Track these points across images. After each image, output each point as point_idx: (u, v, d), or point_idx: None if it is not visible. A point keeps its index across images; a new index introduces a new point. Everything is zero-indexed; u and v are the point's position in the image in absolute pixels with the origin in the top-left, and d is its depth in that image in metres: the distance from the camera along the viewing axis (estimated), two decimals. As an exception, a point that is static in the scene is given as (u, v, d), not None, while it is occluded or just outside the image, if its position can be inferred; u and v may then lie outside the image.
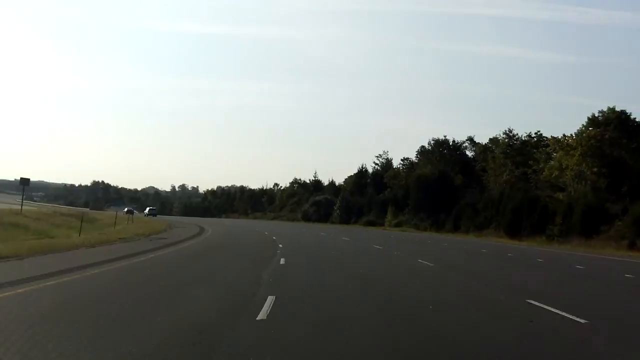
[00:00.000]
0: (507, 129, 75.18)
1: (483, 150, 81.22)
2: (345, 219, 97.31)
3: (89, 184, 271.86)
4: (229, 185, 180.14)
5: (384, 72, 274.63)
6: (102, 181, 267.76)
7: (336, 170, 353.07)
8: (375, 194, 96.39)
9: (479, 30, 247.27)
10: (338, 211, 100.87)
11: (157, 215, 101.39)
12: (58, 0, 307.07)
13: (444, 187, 76.39)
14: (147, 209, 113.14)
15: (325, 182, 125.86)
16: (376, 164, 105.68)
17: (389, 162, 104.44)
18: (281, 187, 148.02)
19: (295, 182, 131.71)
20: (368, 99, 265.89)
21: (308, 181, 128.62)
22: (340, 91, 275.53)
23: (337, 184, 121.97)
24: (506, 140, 75.39)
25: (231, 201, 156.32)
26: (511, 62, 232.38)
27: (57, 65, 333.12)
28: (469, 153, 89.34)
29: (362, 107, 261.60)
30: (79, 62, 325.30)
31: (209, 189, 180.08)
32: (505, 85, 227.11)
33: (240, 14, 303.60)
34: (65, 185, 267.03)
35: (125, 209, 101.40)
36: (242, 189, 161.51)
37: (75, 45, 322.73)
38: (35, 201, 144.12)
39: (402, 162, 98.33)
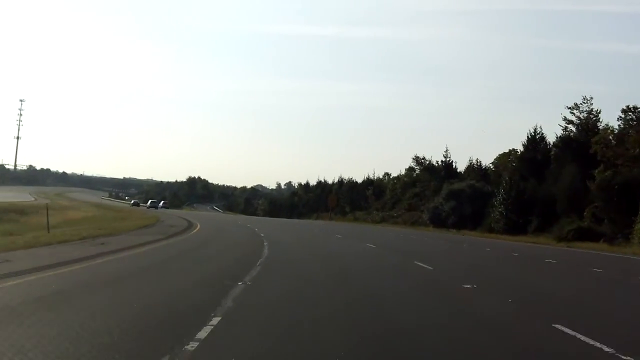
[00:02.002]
0: None
1: None
2: (518, 225, 49.37)
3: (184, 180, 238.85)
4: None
5: (484, 70, 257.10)
6: (199, 177, 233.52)
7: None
8: (576, 173, 47.54)
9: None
10: (501, 209, 52.07)
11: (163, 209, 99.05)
12: (159, 5, 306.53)
13: None
14: (149, 201, 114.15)
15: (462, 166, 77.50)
16: (568, 123, 55.68)
17: (591, 117, 54.70)
18: (393, 176, 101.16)
19: (418, 162, 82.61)
20: (473, 98, 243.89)
21: (436, 163, 79.95)
22: (442, 90, 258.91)
23: (483, 165, 73.46)
24: None
25: (326, 196, 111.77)
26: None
27: (160, 67, 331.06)
28: None
29: (464, 105, 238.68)
30: (183, 65, 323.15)
31: (300, 182, 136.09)
32: None
33: (346, 15, 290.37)
34: (157, 182, 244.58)
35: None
36: (341, 181, 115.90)
37: (178, 48, 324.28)
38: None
39: (624, 114, 48.67)
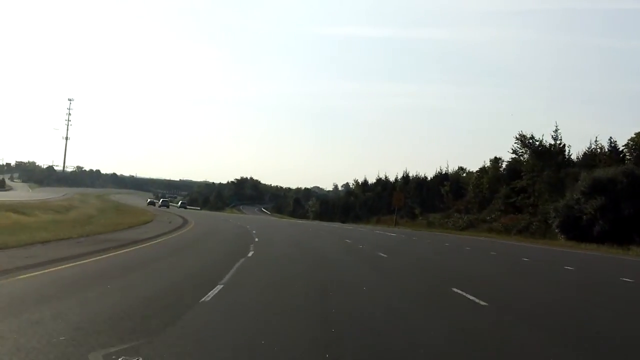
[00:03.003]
0: None
1: None
2: None
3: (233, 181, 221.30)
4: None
5: (545, 71, 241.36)
6: (251, 177, 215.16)
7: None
8: None
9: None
10: None
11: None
12: (221, 7, 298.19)
13: None
14: (161, 200, 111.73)
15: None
16: None
17: None
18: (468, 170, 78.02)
19: (524, 144, 56.37)
20: (534, 98, 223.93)
21: (548, 146, 54.68)
22: (504, 91, 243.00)
23: (620, 146, 49.78)
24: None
25: (389, 195, 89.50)
26: None
27: (218, 69, 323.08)
28: None
29: (526, 106, 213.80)
30: (241, 68, 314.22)
31: (357, 180, 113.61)
32: None
33: (408, 17, 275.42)
34: (208, 183, 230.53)
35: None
36: (406, 176, 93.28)
37: (237, 50, 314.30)
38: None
39: None
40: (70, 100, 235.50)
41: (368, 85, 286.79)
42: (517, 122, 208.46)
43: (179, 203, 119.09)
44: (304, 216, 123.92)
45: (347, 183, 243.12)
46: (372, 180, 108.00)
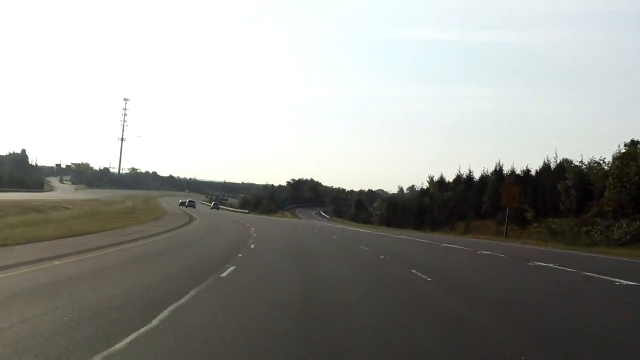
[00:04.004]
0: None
1: None
2: None
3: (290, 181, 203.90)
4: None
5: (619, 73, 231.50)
6: (311, 179, 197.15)
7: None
8: None
9: None
10: None
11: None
12: (294, 13, 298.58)
13: None
14: (187, 200, 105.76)
15: None
16: None
17: None
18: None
19: None
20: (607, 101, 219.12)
21: None
22: (575, 94, 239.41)
23: None
24: None
25: (478, 194, 67.61)
26: None
27: (284, 72, 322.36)
28: None
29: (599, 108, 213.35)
30: (312, 72, 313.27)
31: (432, 177, 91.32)
32: None
33: (480, 20, 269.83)
34: (265, 185, 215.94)
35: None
36: (499, 171, 70.99)
37: (308, 55, 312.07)
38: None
39: None
40: (126, 100, 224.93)
41: (438, 88, 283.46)
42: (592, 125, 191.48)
43: (212, 204, 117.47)
44: (367, 221, 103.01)
45: (414, 185, 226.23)
46: (449, 178, 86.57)
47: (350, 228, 61.65)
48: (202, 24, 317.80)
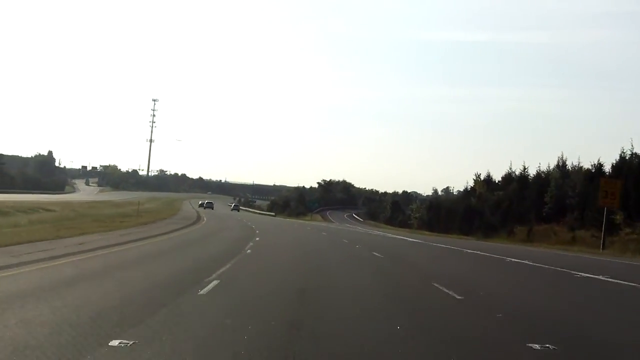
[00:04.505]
0: None
1: None
2: None
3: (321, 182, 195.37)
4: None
5: None
6: (343, 180, 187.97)
7: None
8: None
9: None
10: None
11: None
12: (325, 14, 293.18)
13: None
14: (205, 202, 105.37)
15: None
16: None
17: None
18: None
19: None
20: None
21: None
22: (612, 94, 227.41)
23: None
24: None
25: (539, 193, 57.31)
26: None
27: (323, 78, 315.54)
28: None
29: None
30: (345, 75, 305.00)
31: (479, 174, 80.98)
32: None
33: (513, 21, 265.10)
34: (296, 187, 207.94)
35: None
36: (561, 165, 60.74)
37: (341, 58, 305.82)
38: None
39: None
40: (154, 100, 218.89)
41: (472, 89, 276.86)
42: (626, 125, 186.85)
43: (232, 205, 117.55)
44: (404, 224, 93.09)
45: (448, 187, 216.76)
46: (496, 176, 76.26)
47: (392, 235, 51.60)
48: (233, 25, 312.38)
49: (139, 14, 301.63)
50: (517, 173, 69.74)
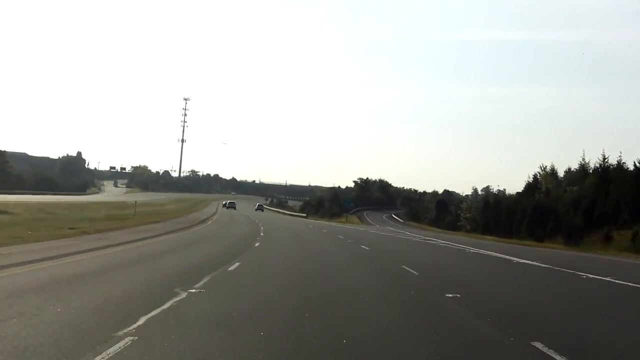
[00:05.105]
0: None
1: None
2: None
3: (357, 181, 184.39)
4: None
5: None
6: (379, 179, 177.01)
7: None
8: None
9: None
10: None
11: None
12: (360, 15, 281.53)
13: None
14: (228, 202, 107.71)
15: None
16: None
17: None
18: None
19: None
20: None
21: None
22: None
23: None
24: None
25: (629, 191, 45.40)
26: None
27: (358, 78, 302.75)
28: None
29: None
30: (380, 75, 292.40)
31: (544, 167, 68.87)
32: None
33: (534, 19, 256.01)
34: (332, 187, 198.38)
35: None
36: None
37: (376, 58, 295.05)
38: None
39: None
40: (186, 100, 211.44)
41: (511, 89, 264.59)
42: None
43: (257, 205, 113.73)
44: (453, 226, 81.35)
45: (489, 187, 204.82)
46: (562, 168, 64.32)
47: (469, 249, 35.67)
48: (267, 25, 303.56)
49: (175, 14, 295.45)
50: (595, 165, 57.71)
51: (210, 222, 43.06)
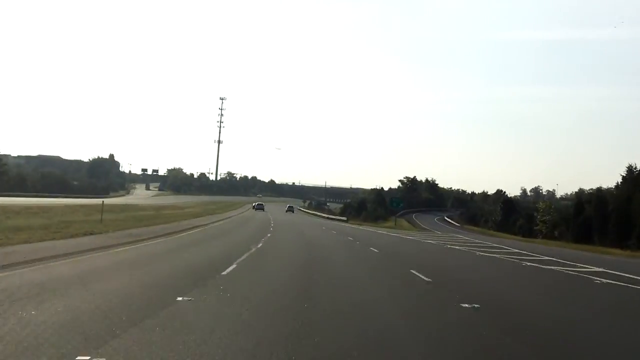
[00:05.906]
0: None
1: None
2: None
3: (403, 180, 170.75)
4: None
5: None
6: (426, 179, 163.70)
7: None
8: None
9: None
10: None
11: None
12: (403, 17, 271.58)
13: None
14: (256, 203, 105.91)
15: None
16: None
17: None
18: None
19: None
20: None
21: None
22: None
23: None
24: None
25: None
26: None
27: (403, 79, 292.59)
28: None
29: None
30: (425, 76, 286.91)
31: (631, 165, 54.62)
32: None
33: (582, 18, 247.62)
34: (374, 189, 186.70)
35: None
36: None
37: (420, 59, 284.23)
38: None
39: None
40: (222, 99, 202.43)
41: (559, 88, 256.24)
42: None
43: (287, 207, 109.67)
44: (529, 233, 67.16)
45: (539, 187, 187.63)
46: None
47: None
48: (309, 25, 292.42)
49: (214, 13, 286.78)
50: None
51: (198, 229, 30.66)
